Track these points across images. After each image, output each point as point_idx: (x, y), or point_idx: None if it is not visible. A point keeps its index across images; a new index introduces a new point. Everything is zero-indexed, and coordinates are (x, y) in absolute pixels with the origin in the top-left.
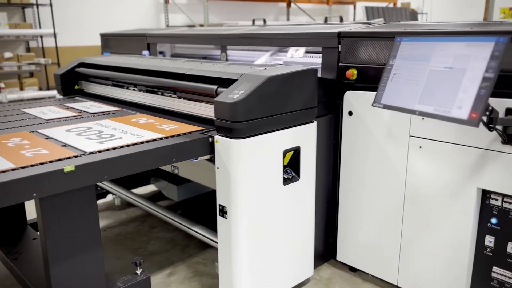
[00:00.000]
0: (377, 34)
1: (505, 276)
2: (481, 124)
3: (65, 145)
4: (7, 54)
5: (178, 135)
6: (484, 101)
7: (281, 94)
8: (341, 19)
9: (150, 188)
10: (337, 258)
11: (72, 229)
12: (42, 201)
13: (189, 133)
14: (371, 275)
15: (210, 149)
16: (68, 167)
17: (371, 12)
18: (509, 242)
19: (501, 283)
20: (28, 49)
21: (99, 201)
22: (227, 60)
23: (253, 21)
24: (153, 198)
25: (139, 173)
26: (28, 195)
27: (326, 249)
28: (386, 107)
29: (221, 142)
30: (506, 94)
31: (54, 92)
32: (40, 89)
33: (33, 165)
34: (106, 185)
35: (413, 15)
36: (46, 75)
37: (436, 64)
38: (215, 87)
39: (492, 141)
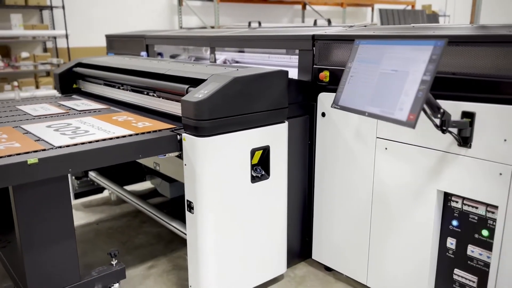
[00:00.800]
0: (345, 37)
1: (466, 278)
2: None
3: (39, 139)
4: (24, 54)
5: (149, 132)
6: (420, 103)
7: (248, 95)
8: (329, 22)
9: (147, 185)
10: (313, 257)
11: (45, 219)
12: (15, 191)
13: (160, 130)
14: (345, 275)
15: (179, 146)
16: (32, 159)
17: (385, 15)
18: (469, 245)
19: (462, 286)
20: (45, 50)
21: (96, 196)
22: (215, 61)
23: (249, 23)
24: (149, 195)
25: (135, 170)
26: None
27: (302, 248)
28: (343, 108)
29: (187, 139)
30: (462, 97)
31: None
32: (55, 88)
33: (1, 157)
34: (100, 180)
35: (434, 17)
36: None
37: (385, 67)
38: (186, 86)
39: (450, 144)
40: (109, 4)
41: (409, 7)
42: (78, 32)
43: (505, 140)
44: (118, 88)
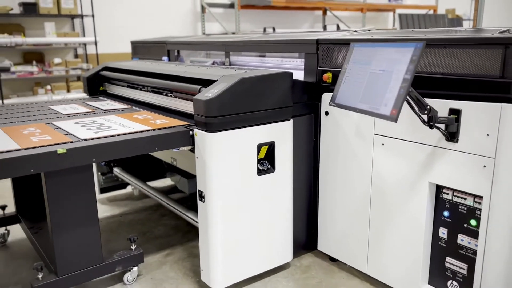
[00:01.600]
0: (345, 41)
1: (457, 266)
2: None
3: (67, 133)
4: (57, 60)
5: (165, 128)
6: (402, 99)
7: (254, 94)
8: (338, 27)
9: (168, 182)
10: (318, 248)
11: (72, 204)
12: (47, 178)
13: (174, 126)
14: (348, 266)
15: (192, 141)
16: (61, 149)
17: (404, 20)
18: (459, 234)
19: (454, 273)
20: (76, 56)
21: (120, 191)
22: (230, 64)
23: (264, 29)
24: (169, 191)
25: (157, 168)
26: (26, 170)
27: (308, 239)
28: (339, 105)
29: (199, 135)
30: (449, 95)
31: None
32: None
33: (35, 147)
34: (124, 176)
35: (457, 21)
36: None
37: (375, 67)
38: (198, 87)
39: (440, 139)
40: (135, 13)
41: (431, 12)
42: (106, 39)
43: (488, 134)
44: (140, 89)
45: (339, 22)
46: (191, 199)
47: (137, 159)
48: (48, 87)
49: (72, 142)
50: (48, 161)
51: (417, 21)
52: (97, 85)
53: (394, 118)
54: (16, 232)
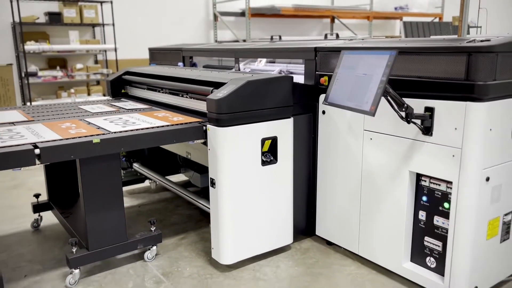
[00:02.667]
0: (338, 48)
1: (434, 244)
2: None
3: (99, 127)
4: (79, 66)
5: (181, 123)
6: (379, 98)
7: (259, 94)
8: (337, 36)
9: (182, 177)
10: (316, 233)
11: (102, 188)
12: (82, 164)
13: (190, 123)
14: (343, 248)
15: (204, 135)
16: (96, 139)
17: (409, 27)
18: (435, 216)
19: (431, 250)
20: (96, 61)
21: (139, 185)
22: (239, 69)
23: (271, 37)
24: (183, 185)
25: (172, 163)
26: (67, 156)
27: (307, 225)
28: (331, 104)
29: (211, 129)
30: (425, 95)
31: None
32: (104, 95)
33: (73, 138)
34: (143, 170)
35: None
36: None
37: (359, 71)
38: (211, 88)
39: (417, 133)
40: (152, 21)
41: (437, 20)
42: (124, 45)
43: (455, 128)
44: (158, 91)
45: (346, 30)
46: (203, 192)
47: (154, 156)
48: (72, 90)
49: (104, 134)
50: (85, 149)
51: (422, 29)
52: (119, 88)
53: (372, 113)
54: (48, 218)
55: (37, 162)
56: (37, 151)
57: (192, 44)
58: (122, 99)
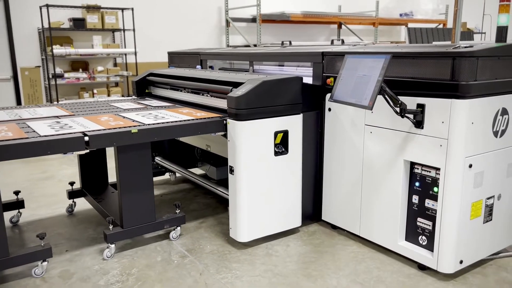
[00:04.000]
0: (342, 53)
1: (425, 224)
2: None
3: (134, 120)
4: (99, 68)
5: (204, 118)
6: (376, 94)
7: (272, 93)
8: (342, 41)
9: (199, 171)
10: (322, 218)
11: (135, 172)
12: (119, 152)
13: (212, 117)
14: (346, 231)
15: (225, 128)
16: (134, 129)
17: (413, 33)
18: (426, 199)
19: (423, 230)
20: (115, 64)
21: (160, 177)
22: (253, 71)
23: (282, 42)
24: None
25: (190, 158)
26: (110, 144)
27: (314, 211)
28: (335, 101)
29: (230, 123)
30: (417, 94)
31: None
32: (122, 95)
33: (114, 128)
34: (165, 163)
35: (468, 35)
36: (127, 84)
37: (359, 73)
38: (230, 87)
39: (410, 127)
40: (168, 27)
41: (441, 26)
42: (143, 49)
43: (442, 122)
44: (181, 91)
45: (353, 35)
46: (219, 184)
47: (174, 151)
48: (95, 91)
49: (139, 125)
50: (125, 138)
51: (426, 35)
52: (143, 88)
53: (370, 107)
54: (80, 205)
55: (86, 148)
56: (86, 138)
57: (209, 49)
58: (146, 98)
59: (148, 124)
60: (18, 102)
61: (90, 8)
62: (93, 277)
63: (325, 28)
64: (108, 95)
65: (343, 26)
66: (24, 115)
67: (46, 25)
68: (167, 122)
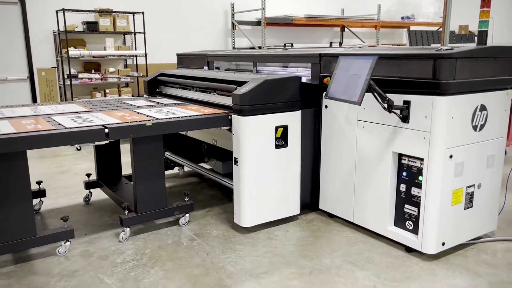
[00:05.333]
0: (337, 54)
1: (411, 210)
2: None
3: (148, 116)
4: (111, 69)
5: (211, 114)
6: (364, 91)
7: (273, 91)
8: (340, 44)
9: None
10: (320, 207)
11: (149, 162)
12: (134, 143)
13: (218, 113)
14: (342, 219)
15: (230, 123)
16: (149, 123)
17: (414, 36)
18: (412, 187)
19: (410, 215)
20: (126, 66)
21: (169, 171)
22: (257, 72)
23: (284, 44)
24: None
25: (196, 153)
26: (127, 135)
27: (312, 201)
28: (330, 98)
29: (235, 118)
30: (403, 91)
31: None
32: (132, 95)
33: (130, 122)
34: (174, 158)
35: (469, 37)
36: (137, 85)
37: (351, 72)
38: (235, 86)
39: (398, 121)
40: (176, 30)
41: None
42: (152, 51)
43: (425, 116)
44: (189, 90)
45: (355, 38)
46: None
47: (182, 146)
48: (107, 91)
49: (153, 120)
50: (140, 130)
51: (426, 37)
52: (154, 87)
53: (359, 103)
54: (95, 195)
55: (106, 138)
56: (106, 130)
57: (215, 51)
58: (157, 96)
59: (161, 119)
60: (34, 101)
61: (103, 12)
62: (111, 256)
63: (328, 31)
64: (119, 95)
65: (346, 29)
66: (48, 111)
67: (61, 28)
68: (177, 117)
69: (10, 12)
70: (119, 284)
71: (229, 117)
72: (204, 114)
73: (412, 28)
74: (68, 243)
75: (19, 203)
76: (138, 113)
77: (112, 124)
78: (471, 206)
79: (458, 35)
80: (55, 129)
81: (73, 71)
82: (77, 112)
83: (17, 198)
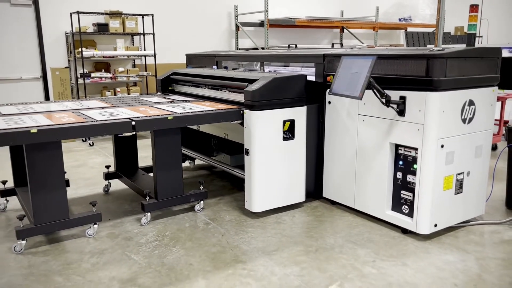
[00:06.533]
0: (339, 55)
1: (406, 195)
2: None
3: (167, 110)
4: (120, 69)
5: (224, 109)
6: (364, 88)
7: (281, 88)
8: (341, 45)
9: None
10: (323, 195)
11: (168, 152)
12: (156, 135)
13: (231, 108)
14: (343, 205)
15: (241, 117)
16: (170, 117)
17: (410, 37)
18: (408, 174)
19: (405, 200)
20: (134, 65)
21: None
22: (263, 71)
23: (289, 45)
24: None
25: (207, 148)
26: (151, 127)
27: (316, 190)
28: (333, 93)
29: (246, 113)
30: (400, 88)
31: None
32: (141, 94)
33: (152, 116)
34: (191, 153)
35: (464, 38)
36: (146, 84)
37: (353, 70)
38: (246, 83)
39: (395, 115)
40: (181, 31)
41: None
42: (158, 51)
43: (419, 110)
44: (201, 87)
45: (354, 39)
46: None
47: (193, 141)
48: (118, 89)
49: (174, 114)
50: (163, 123)
51: (422, 38)
52: (167, 85)
53: (360, 97)
54: (114, 186)
55: (133, 130)
56: (133, 123)
57: (223, 51)
58: (170, 94)
59: (180, 113)
60: (47, 99)
61: (113, 14)
62: (135, 237)
63: (328, 32)
64: (128, 93)
65: (345, 30)
66: (74, 107)
67: (74, 30)
68: (195, 111)
69: (24, 14)
70: (146, 260)
71: (241, 111)
72: (218, 109)
73: (409, 29)
74: (96, 226)
75: (55, 188)
76: (158, 108)
77: (137, 117)
78: (461, 192)
79: (454, 36)
80: (87, 122)
81: (84, 70)
82: (102, 108)
83: (53, 184)
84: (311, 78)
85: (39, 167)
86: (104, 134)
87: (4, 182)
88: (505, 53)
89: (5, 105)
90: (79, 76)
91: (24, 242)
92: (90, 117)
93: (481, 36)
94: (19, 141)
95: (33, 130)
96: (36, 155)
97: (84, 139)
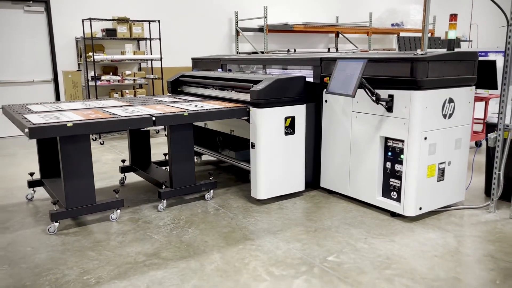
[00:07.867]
0: (334, 58)
1: (395, 182)
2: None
3: (181, 108)
4: (127, 72)
5: (233, 107)
6: (356, 87)
7: (283, 88)
8: (337, 49)
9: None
10: (321, 185)
11: (182, 146)
12: (172, 130)
13: (238, 106)
14: (339, 194)
15: (248, 114)
16: (185, 113)
17: (402, 42)
18: (396, 164)
19: (394, 187)
20: (140, 69)
21: None
22: (266, 73)
23: (288, 50)
24: (220, 161)
25: (213, 145)
26: (169, 123)
27: (314, 181)
28: (330, 93)
29: (252, 110)
30: (389, 87)
31: None
32: (147, 95)
33: (169, 112)
34: (199, 149)
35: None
36: (152, 86)
37: (347, 72)
38: (251, 84)
39: (384, 111)
40: (184, 36)
41: (429, 35)
42: (163, 55)
43: (405, 107)
44: (209, 88)
45: (349, 43)
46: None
47: (200, 138)
48: (127, 91)
49: (188, 111)
50: (179, 119)
51: (414, 43)
52: (176, 86)
53: (353, 95)
54: (129, 178)
55: (154, 125)
56: (153, 118)
57: (227, 55)
58: (179, 95)
59: (194, 110)
60: (58, 100)
61: (121, 20)
62: (154, 221)
63: (324, 37)
64: (135, 95)
65: (340, 35)
66: (96, 105)
67: (84, 35)
68: (207, 109)
69: (36, 20)
70: (166, 239)
71: (247, 109)
72: (227, 107)
73: (402, 34)
74: (118, 211)
75: (84, 176)
76: (172, 106)
77: (157, 114)
78: (443, 179)
79: (444, 40)
80: (113, 117)
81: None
82: (122, 106)
83: (83, 172)
84: (309, 79)
85: (71, 157)
86: (127, 128)
87: (31, 174)
88: (493, 56)
89: (35, 104)
90: (90, 78)
91: (57, 224)
92: (114, 114)
93: (471, 41)
94: (57, 133)
95: (69, 124)
96: (69, 146)
97: (94, 138)
